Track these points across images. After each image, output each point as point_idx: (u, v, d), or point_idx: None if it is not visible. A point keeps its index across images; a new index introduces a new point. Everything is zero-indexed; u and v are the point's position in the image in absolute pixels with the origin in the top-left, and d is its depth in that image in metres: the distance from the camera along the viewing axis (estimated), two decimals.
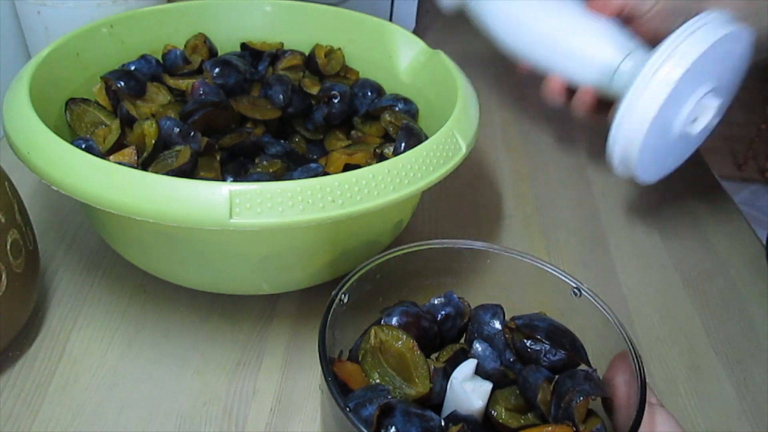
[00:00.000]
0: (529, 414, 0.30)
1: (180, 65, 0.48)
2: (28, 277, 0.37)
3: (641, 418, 0.26)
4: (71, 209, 0.49)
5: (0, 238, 0.34)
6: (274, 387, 0.38)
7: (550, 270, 0.32)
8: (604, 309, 0.30)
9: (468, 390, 0.29)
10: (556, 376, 0.29)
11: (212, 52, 0.51)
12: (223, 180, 0.41)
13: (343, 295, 0.30)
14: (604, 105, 0.50)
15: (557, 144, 0.64)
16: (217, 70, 0.46)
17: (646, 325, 0.44)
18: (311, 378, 0.38)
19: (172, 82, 0.47)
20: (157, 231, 0.35)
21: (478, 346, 0.31)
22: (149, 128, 0.39)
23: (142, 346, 0.39)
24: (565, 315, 0.31)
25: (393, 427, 0.27)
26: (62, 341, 0.39)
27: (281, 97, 0.46)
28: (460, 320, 0.33)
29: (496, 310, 0.32)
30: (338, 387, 0.27)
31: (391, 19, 0.74)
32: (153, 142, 0.39)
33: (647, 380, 0.27)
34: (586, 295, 0.31)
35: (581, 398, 0.27)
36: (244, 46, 0.52)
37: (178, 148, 0.39)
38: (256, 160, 0.44)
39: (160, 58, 0.49)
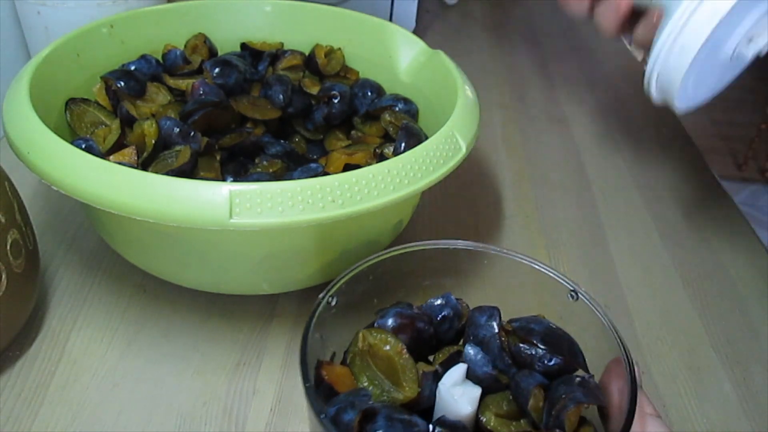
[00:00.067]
0: (521, 421, 0.29)
1: (180, 65, 0.48)
2: (28, 277, 0.37)
3: (629, 428, 0.25)
4: (71, 209, 0.49)
5: (0, 238, 0.34)
6: (274, 387, 0.38)
7: (547, 272, 0.31)
8: (600, 313, 0.29)
9: (456, 395, 0.28)
10: (551, 382, 0.29)
11: (212, 52, 0.51)
12: (223, 180, 0.41)
13: (330, 298, 0.30)
14: (633, 19, 0.45)
15: (557, 144, 0.64)
16: (217, 70, 0.46)
17: (646, 325, 0.44)
18: None
19: (172, 82, 0.47)
20: (157, 231, 0.35)
21: (469, 350, 0.30)
22: (149, 128, 0.39)
23: (142, 346, 0.39)
24: (564, 318, 0.31)
25: None
26: (62, 341, 0.39)
27: (281, 97, 0.46)
28: (458, 322, 0.32)
29: (493, 313, 0.31)
30: (320, 390, 0.26)
31: (391, 19, 0.74)
32: (153, 142, 0.39)
33: (644, 389, 0.27)
34: (583, 298, 0.30)
35: (572, 406, 0.26)
36: (244, 46, 0.52)
37: (178, 148, 0.39)
38: (256, 160, 0.44)
39: (160, 58, 0.49)
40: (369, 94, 0.49)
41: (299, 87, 0.48)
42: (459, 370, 0.29)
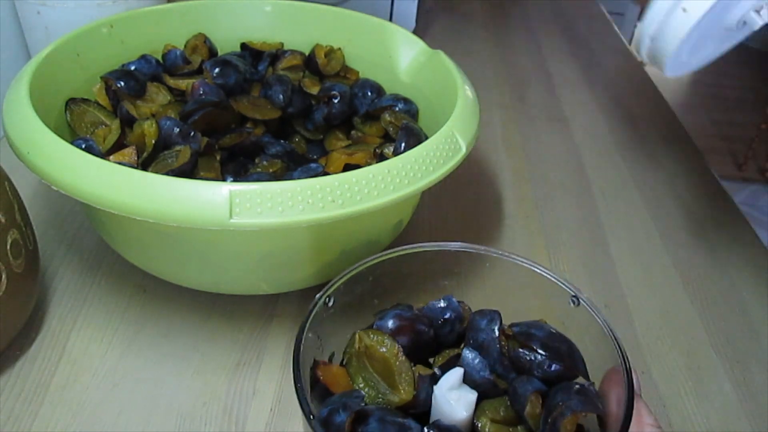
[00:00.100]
0: (518, 427, 0.29)
1: (180, 65, 0.48)
2: (28, 277, 0.37)
3: None
4: (71, 209, 0.49)
5: (0, 238, 0.34)
6: (274, 387, 0.38)
7: (549, 276, 0.31)
8: (600, 320, 0.29)
9: (452, 400, 0.28)
10: (550, 389, 0.28)
11: (212, 52, 0.51)
12: (223, 180, 0.41)
13: (327, 299, 0.30)
14: None
15: (557, 144, 0.64)
16: (217, 70, 0.46)
17: (646, 325, 0.44)
18: None
19: (172, 82, 0.47)
20: (157, 231, 0.35)
21: (467, 354, 0.30)
22: (149, 128, 0.39)
23: (142, 346, 0.39)
24: (566, 323, 0.31)
25: None
26: (62, 341, 0.39)
27: (281, 97, 0.46)
28: (459, 325, 0.32)
29: (493, 316, 0.31)
30: (316, 391, 0.26)
31: (391, 19, 0.74)
32: (153, 142, 0.39)
33: (644, 392, 0.26)
34: (584, 304, 0.30)
35: (569, 414, 0.26)
36: (244, 46, 0.52)
37: (178, 148, 0.39)
38: (256, 160, 0.44)
39: (160, 58, 0.49)
40: (369, 94, 0.49)
41: (299, 87, 0.49)
42: (456, 374, 0.29)
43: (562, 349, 0.29)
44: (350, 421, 0.26)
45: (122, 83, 0.44)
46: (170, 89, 0.46)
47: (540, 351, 0.29)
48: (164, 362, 0.39)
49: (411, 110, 0.47)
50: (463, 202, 0.54)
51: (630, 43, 0.45)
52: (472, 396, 0.28)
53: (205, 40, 0.51)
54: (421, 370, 0.29)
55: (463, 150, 0.38)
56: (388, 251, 0.32)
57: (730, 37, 0.41)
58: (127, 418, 0.35)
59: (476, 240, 0.50)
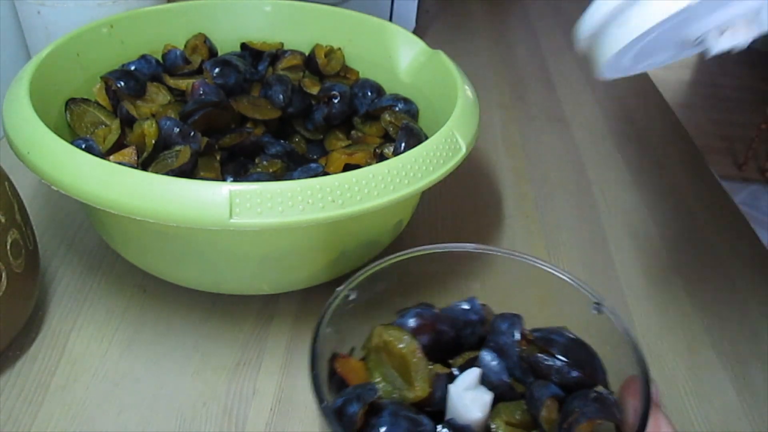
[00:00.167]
0: (533, 431, 0.28)
1: (180, 65, 0.48)
2: (28, 277, 0.37)
3: None
4: (71, 209, 0.49)
5: (0, 238, 0.34)
6: (274, 387, 0.38)
7: (572, 282, 0.31)
8: (622, 328, 0.28)
9: (467, 399, 0.28)
10: (567, 395, 0.28)
11: (212, 52, 0.51)
12: (223, 180, 0.41)
13: (349, 292, 0.30)
14: None
15: (557, 144, 0.64)
16: (217, 70, 0.46)
17: (646, 325, 0.44)
18: None
19: (172, 82, 0.47)
20: (157, 231, 0.35)
21: (485, 356, 0.30)
22: (149, 128, 0.40)
23: (142, 346, 0.39)
24: (586, 330, 0.30)
25: (379, 429, 0.26)
26: (62, 341, 0.39)
27: (281, 97, 0.46)
28: (481, 327, 0.32)
29: (515, 320, 0.31)
30: (332, 383, 0.26)
31: (391, 19, 0.74)
32: (153, 142, 0.39)
33: (664, 410, 0.26)
34: (607, 312, 0.29)
35: (584, 420, 0.26)
36: (244, 46, 0.52)
37: (178, 148, 0.39)
38: (256, 160, 0.44)
39: (160, 58, 0.49)
40: (369, 94, 0.49)
41: (299, 87, 0.49)
42: (472, 374, 0.29)
43: (583, 357, 0.29)
44: (363, 413, 0.26)
45: (122, 83, 0.44)
46: (170, 89, 0.46)
47: (560, 357, 0.29)
48: (164, 362, 0.39)
49: (411, 110, 0.47)
50: (463, 202, 0.54)
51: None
52: (487, 397, 0.28)
53: (205, 40, 0.51)
54: (439, 369, 0.29)
55: (463, 150, 0.38)
56: (414, 249, 0.32)
57: (689, 50, 0.37)
58: (127, 418, 0.35)
59: (476, 240, 0.50)
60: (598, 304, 0.30)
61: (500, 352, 0.30)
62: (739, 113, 2.33)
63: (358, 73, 0.52)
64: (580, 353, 0.29)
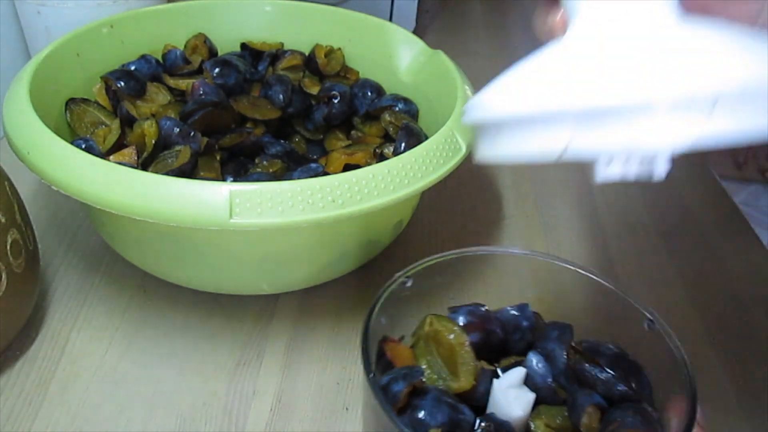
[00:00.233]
0: None
1: (180, 65, 0.48)
2: (28, 277, 0.37)
3: None
4: (71, 209, 0.49)
5: (0, 238, 0.34)
6: (274, 387, 0.38)
7: (627, 298, 0.31)
8: (674, 346, 0.28)
9: (510, 397, 0.28)
10: (610, 406, 0.28)
11: (212, 52, 0.51)
12: (223, 180, 0.41)
13: (406, 279, 0.30)
14: None
15: None
16: (217, 70, 0.46)
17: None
18: (311, 378, 0.38)
19: (172, 82, 0.47)
20: (157, 231, 0.35)
21: (532, 358, 0.30)
22: (149, 128, 0.39)
23: (142, 346, 0.39)
24: (638, 346, 0.30)
25: (422, 411, 0.27)
26: (62, 341, 0.39)
27: (281, 97, 0.46)
28: (530, 334, 0.32)
29: (565, 329, 0.31)
30: (379, 364, 0.27)
31: (391, 19, 0.74)
32: (153, 142, 0.39)
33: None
34: (659, 329, 0.29)
35: (624, 430, 0.26)
36: (244, 46, 0.52)
37: (178, 148, 0.39)
38: (256, 160, 0.44)
39: (160, 58, 0.49)
40: (369, 94, 0.49)
41: (299, 87, 0.49)
42: (518, 372, 0.29)
43: (629, 371, 0.29)
44: (407, 392, 0.27)
45: (122, 83, 0.44)
46: (170, 89, 0.46)
47: (607, 369, 0.29)
48: (164, 362, 0.39)
49: (411, 110, 0.47)
50: (463, 202, 0.54)
51: None
52: (530, 396, 0.28)
53: (205, 40, 0.51)
54: (484, 364, 0.30)
55: (463, 150, 0.38)
56: (474, 249, 0.32)
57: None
58: (127, 418, 0.35)
59: (476, 240, 0.50)
60: (651, 320, 0.30)
61: (547, 357, 0.30)
62: None
63: (358, 73, 0.52)
64: (628, 368, 0.29)
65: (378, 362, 0.30)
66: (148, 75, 0.47)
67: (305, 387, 0.38)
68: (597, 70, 0.21)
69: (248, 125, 0.46)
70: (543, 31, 0.29)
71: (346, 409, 0.37)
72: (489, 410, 0.29)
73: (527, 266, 0.33)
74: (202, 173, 0.40)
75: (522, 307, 0.33)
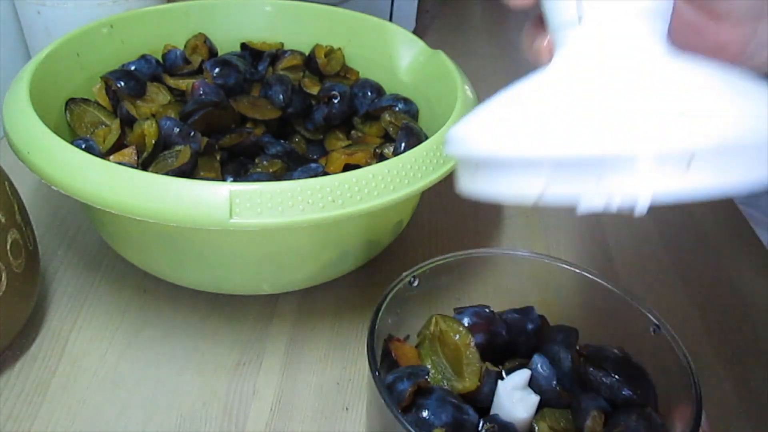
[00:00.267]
0: None
1: (180, 65, 0.48)
2: (28, 277, 0.37)
3: None
4: (71, 209, 0.49)
5: (0, 238, 0.34)
6: (274, 387, 0.38)
7: (632, 303, 0.31)
8: (680, 352, 0.28)
9: (514, 398, 0.28)
10: (614, 411, 0.28)
11: (212, 52, 0.51)
12: (223, 180, 0.41)
13: (413, 278, 0.30)
14: None
15: None
16: (217, 70, 0.46)
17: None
18: (311, 378, 0.38)
19: (172, 82, 0.47)
20: (157, 231, 0.35)
21: (537, 361, 0.30)
22: (149, 128, 0.39)
23: (142, 346, 0.39)
24: (643, 351, 0.30)
25: (426, 410, 0.27)
26: (62, 341, 0.39)
27: (281, 97, 0.46)
28: (535, 337, 0.32)
29: (571, 333, 0.31)
30: (384, 362, 0.27)
31: (391, 19, 0.74)
32: (153, 142, 0.39)
33: None
34: (665, 334, 0.29)
35: None
36: (244, 46, 0.52)
37: (178, 148, 0.39)
38: (256, 160, 0.44)
39: (160, 58, 0.49)
40: (369, 94, 0.49)
41: (299, 87, 0.48)
42: (522, 374, 0.29)
43: (635, 376, 0.29)
44: (412, 391, 0.27)
45: (122, 83, 0.44)
46: (170, 89, 0.46)
47: (612, 374, 0.29)
48: (164, 362, 0.39)
49: (411, 110, 0.47)
50: (463, 202, 0.54)
51: None
52: (534, 398, 0.29)
53: (205, 40, 0.51)
54: (489, 366, 0.30)
55: None
56: (480, 250, 0.33)
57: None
58: (127, 418, 0.35)
59: (476, 240, 0.50)
60: (657, 326, 0.30)
61: (552, 360, 0.30)
62: None
63: (358, 73, 0.52)
64: (633, 373, 0.29)
65: (383, 361, 0.30)
66: (148, 75, 0.47)
67: (305, 387, 0.38)
68: (575, 116, 0.20)
69: (248, 125, 0.46)
70: (529, 53, 0.28)
71: (346, 409, 0.37)
72: (493, 411, 0.29)
73: (534, 269, 0.33)
74: (202, 173, 0.40)
75: (528, 310, 0.33)
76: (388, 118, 0.46)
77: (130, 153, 0.39)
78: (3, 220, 0.34)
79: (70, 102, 0.43)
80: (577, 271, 0.32)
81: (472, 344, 0.29)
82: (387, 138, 0.46)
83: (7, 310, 0.35)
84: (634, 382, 0.29)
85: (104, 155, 0.39)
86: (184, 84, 0.46)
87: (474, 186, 0.24)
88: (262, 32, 0.53)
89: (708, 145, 0.19)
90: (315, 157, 0.47)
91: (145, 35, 0.49)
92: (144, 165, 0.39)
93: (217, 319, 0.41)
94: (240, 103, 0.45)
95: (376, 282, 0.44)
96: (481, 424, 0.28)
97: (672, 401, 0.28)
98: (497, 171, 0.22)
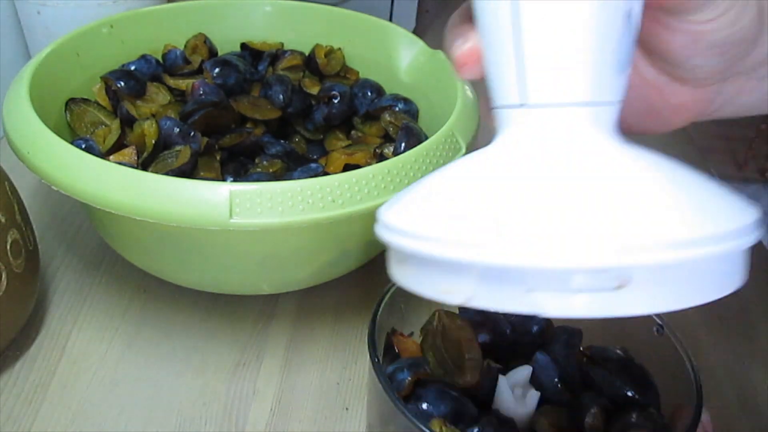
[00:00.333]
0: None
1: (180, 65, 0.48)
2: (28, 277, 0.37)
3: None
4: (71, 209, 0.49)
5: (0, 238, 0.34)
6: (274, 387, 0.38)
7: None
8: (683, 352, 0.28)
9: (515, 394, 0.28)
10: (616, 410, 0.28)
11: (212, 52, 0.51)
12: (223, 180, 0.41)
13: None
14: None
15: None
16: (217, 70, 0.46)
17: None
18: (311, 378, 0.38)
19: (172, 82, 0.47)
20: (157, 231, 0.35)
21: (541, 357, 0.30)
22: (149, 128, 0.39)
23: (142, 346, 0.39)
24: (647, 351, 0.30)
25: (426, 401, 0.27)
26: (62, 341, 0.39)
27: (281, 97, 0.46)
28: (540, 337, 0.32)
29: (574, 334, 0.31)
30: (386, 355, 0.28)
31: (391, 19, 0.74)
32: (153, 142, 0.39)
33: None
34: (668, 335, 0.29)
35: (629, 431, 0.26)
36: (244, 46, 0.52)
37: (178, 148, 0.39)
38: (256, 160, 0.44)
39: (160, 58, 0.49)
40: (369, 94, 0.49)
41: (299, 87, 0.48)
42: (524, 370, 0.29)
43: (638, 377, 0.29)
44: (412, 381, 0.27)
45: (122, 83, 0.44)
46: (170, 89, 0.46)
47: (615, 374, 0.29)
48: (164, 362, 0.39)
49: (411, 110, 0.47)
50: None
51: None
52: (535, 394, 0.29)
53: (205, 40, 0.51)
54: (491, 362, 0.30)
55: (463, 150, 0.38)
56: None
57: None
58: (127, 418, 0.35)
59: None
60: (660, 326, 0.30)
61: (555, 359, 0.30)
62: None
63: (358, 73, 0.52)
64: (635, 373, 0.29)
65: (385, 355, 0.30)
66: (148, 75, 0.47)
67: (305, 387, 0.38)
68: (508, 221, 0.19)
69: (248, 125, 0.46)
70: (451, 53, 0.25)
71: (346, 409, 0.37)
72: (494, 407, 0.29)
73: None
74: (202, 173, 0.40)
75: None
76: (388, 118, 0.46)
77: (130, 153, 0.39)
78: (3, 220, 0.34)
79: (70, 102, 0.43)
80: None
81: (475, 340, 0.29)
82: (387, 138, 0.46)
83: (7, 310, 0.35)
84: (637, 382, 0.29)
85: (104, 155, 0.39)
86: (184, 84, 0.46)
87: (401, 278, 0.23)
88: (262, 32, 0.53)
89: (641, 264, 0.18)
90: (315, 157, 0.47)
91: (145, 35, 0.49)
92: (144, 165, 0.39)
93: (217, 319, 0.41)
94: (240, 103, 0.45)
95: (377, 282, 0.44)
96: (481, 419, 0.28)
97: (675, 402, 0.28)
98: (423, 268, 0.21)
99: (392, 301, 0.30)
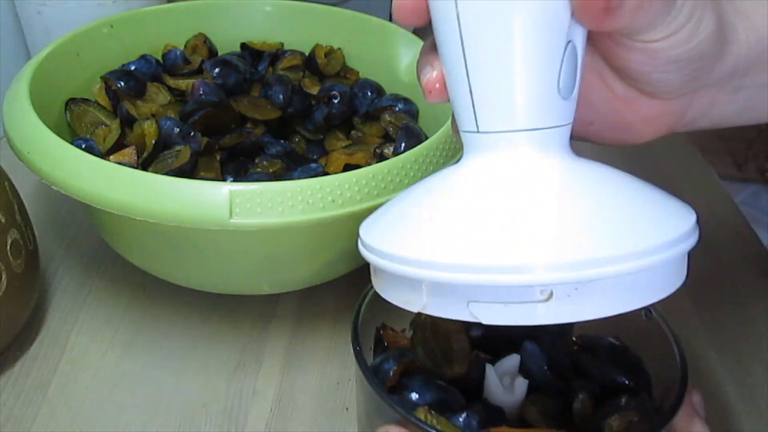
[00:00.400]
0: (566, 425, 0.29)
1: (180, 65, 0.48)
2: (28, 277, 0.37)
3: None
4: (71, 209, 0.49)
5: (0, 238, 0.34)
6: (274, 387, 0.38)
7: None
8: (670, 334, 0.28)
9: (504, 383, 0.29)
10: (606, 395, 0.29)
11: (212, 52, 0.51)
12: (223, 180, 0.41)
13: None
14: None
15: None
16: (217, 70, 0.46)
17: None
18: (311, 378, 0.38)
19: (172, 82, 0.47)
20: (157, 231, 0.35)
21: (528, 346, 0.30)
22: (149, 128, 0.39)
23: (142, 346, 0.39)
24: (639, 337, 0.30)
25: (411, 390, 0.27)
26: (62, 341, 0.39)
27: (281, 97, 0.46)
28: (532, 328, 0.31)
29: (566, 324, 0.31)
30: (376, 350, 0.28)
31: (391, 19, 0.74)
32: (153, 142, 0.39)
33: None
34: (656, 318, 0.29)
35: (616, 414, 0.26)
36: (244, 46, 0.52)
37: (178, 148, 0.39)
38: (256, 160, 0.44)
39: (160, 58, 0.49)
40: (369, 94, 0.49)
41: (299, 87, 0.48)
42: (513, 359, 0.29)
43: (628, 364, 0.29)
44: (398, 372, 0.27)
45: (122, 83, 0.44)
46: (170, 89, 0.46)
47: (605, 361, 0.29)
48: (164, 362, 0.39)
49: (411, 110, 0.47)
50: None
51: None
52: (523, 382, 0.29)
53: (205, 40, 0.51)
54: (481, 353, 0.30)
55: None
56: None
57: None
58: (127, 418, 0.35)
59: None
60: (648, 311, 0.30)
61: (544, 347, 0.30)
62: None
63: (358, 73, 0.52)
64: (626, 360, 0.29)
65: (375, 348, 0.30)
66: (148, 75, 0.47)
67: (305, 387, 0.38)
68: (453, 240, 0.22)
69: (248, 125, 0.46)
70: (420, 79, 0.28)
71: (346, 409, 0.37)
72: (483, 397, 0.29)
73: None
74: (202, 173, 0.40)
75: None
76: (388, 118, 0.46)
77: (130, 153, 0.39)
78: (3, 220, 0.34)
79: (70, 102, 0.43)
80: None
81: (463, 332, 0.30)
82: (387, 138, 0.46)
83: (7, 310, 0.35)
84: (627, 368, 0.29)
85: (104, 155, 0.39)
86: (184, 84, 0.46)
87: (375, 285, 0.26)
88: (262, 32, 0.53)
89: (561, 280, 0.20)
90: (315, 157, 0.47)
91: (145, 35, 0.49)
92: (144, 165, 0.39)
93: (217, 320, 0.41)
94: (240, 103, 0.45)
95: None
96: (468, 408, 0.28)
97: (667, 389, 0.28)
98: (388, 279, 0.24)
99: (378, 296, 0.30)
